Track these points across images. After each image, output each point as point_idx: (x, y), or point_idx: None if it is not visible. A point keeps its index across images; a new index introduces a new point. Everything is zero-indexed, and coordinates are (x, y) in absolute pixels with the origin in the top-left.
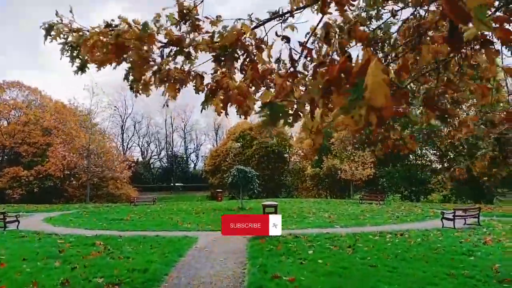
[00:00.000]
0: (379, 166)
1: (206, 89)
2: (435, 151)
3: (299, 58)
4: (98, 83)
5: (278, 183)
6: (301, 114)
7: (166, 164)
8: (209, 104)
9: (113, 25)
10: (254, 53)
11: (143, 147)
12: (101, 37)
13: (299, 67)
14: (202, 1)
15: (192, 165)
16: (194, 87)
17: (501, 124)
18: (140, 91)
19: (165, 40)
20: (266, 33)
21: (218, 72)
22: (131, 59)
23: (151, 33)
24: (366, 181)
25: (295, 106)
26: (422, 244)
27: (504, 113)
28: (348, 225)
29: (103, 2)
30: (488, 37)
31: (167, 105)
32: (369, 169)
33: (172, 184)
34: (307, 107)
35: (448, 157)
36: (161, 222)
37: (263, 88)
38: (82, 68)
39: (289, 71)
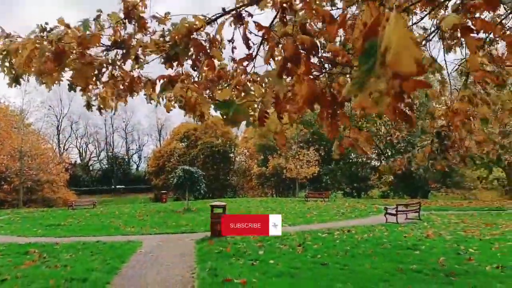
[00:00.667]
0: (323, 164)
1: (161, 81)
2: (374, 149)
3: (260, 45)
4: (31, 81)
5: (224, 183)
6: (267, 116)
7: (106, 166)
8: (166, 93)
9: (48, 29)
10: (208, 50)
11: (81, 149)
12: (37, 45)
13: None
14: None
15: (135, 167)
16: (145, 96)
17: (441, 118)
18: (103, 108)
19: (108, 43)
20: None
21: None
22: (73, 66)
23: (94, 33)
24: (310, 179)
25: (257, 106)
26: (369, 240)
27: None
28: (296, 223)
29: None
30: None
31: (114, 111)
32: (314, 167)
33: (113, 187)
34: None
35: (387, 154)
36: (102, 227)
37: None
38: (16, 81)
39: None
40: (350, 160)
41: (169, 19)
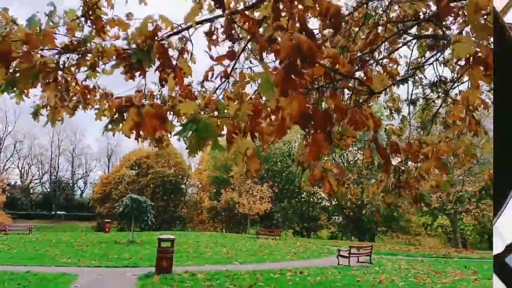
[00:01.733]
0: (276, 201)
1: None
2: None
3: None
4: None
5: (173, 214)
6: (237, 133)
7: (48, 190)
8: (116, 126)
9: None
10: (176, 60)
11: (23, 170)
12: None
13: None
14: None
15: (79, 192)
16: (96, 112)
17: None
18: (50, 120)
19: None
20: (189, 38)
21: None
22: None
23: (47, 31)
24: (262, 216)
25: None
26: (322, 283)
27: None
28: (247, 261)
29: None
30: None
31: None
32: (266, 204)
33: (53, 212)
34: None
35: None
36: (36, 256)
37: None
38: None
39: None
40: (302, 199)
41: (129, 26)
